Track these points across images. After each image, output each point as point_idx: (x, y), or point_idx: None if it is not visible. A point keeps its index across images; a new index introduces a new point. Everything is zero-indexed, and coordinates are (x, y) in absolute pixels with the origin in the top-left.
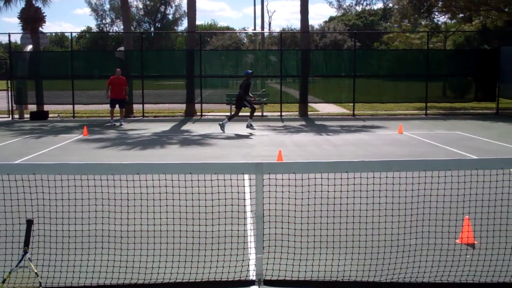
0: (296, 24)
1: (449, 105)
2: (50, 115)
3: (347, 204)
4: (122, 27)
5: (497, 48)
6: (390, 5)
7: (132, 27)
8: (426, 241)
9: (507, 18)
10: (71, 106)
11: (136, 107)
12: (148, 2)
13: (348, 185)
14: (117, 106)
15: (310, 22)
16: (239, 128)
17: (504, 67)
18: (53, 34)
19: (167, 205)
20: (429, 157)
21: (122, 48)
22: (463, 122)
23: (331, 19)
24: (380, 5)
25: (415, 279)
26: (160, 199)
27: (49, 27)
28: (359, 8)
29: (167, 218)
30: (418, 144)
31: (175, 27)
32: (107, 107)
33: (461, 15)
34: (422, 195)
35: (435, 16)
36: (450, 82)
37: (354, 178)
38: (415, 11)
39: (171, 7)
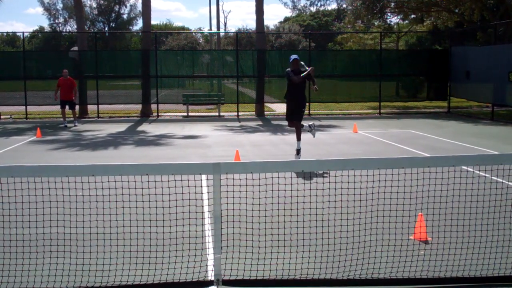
0: (251, 25)
1: (402, 104)
2: (2, 117)
3: (303, 202)
4: (75, 26)
5: (448, 48)
6: (344, 6)
7: (85, 27)
8: (381, 238)
9: (457, 19)
10: (24, 107)
11: (91, 107)
12: (102, 2)
13: (304, 183)
14: (67, 107)
15: (266, 22)
16: (196, 128)
17: (454, 67)
18: (5, 34)
19: (123, 207)
20: (383, 155)
21: (75, 48)
22: (416, 120)
23: (286, 19)
24: (334, 6)
25: (371, 276)
26: (116, 201)
27: (1, 26)
28: (313, 9)
29: (123, 220)
30: (373, 143)
31: (130, 27)
32: (60, 108)
33: (413, 16)
34: (376, 192)
35: (388, 17)
36: (403, 81)
37: (311, 176)
38: (368, 12)
39: (126, 7)
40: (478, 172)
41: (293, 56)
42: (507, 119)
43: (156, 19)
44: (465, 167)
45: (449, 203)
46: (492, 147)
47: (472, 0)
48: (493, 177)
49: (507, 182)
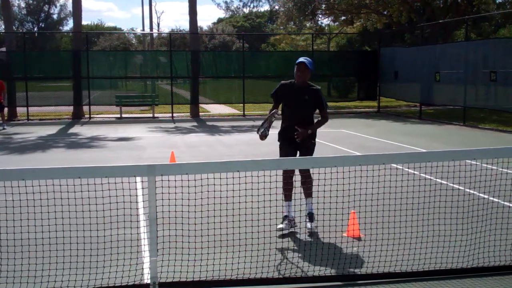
0: (185, 25)
1: (334, 104)
2: None
3: (239, 202)
4: (3, 26)
5: (377, 49)
6: (276, 7)
7: (14, 27)
8: (315, 236)
9: (386, 20)
10: None
11: (20, 110)
12: (31, 1)
13: (240, 184)
14: None
15: (199, 23)
16: (130, 130)
17: (383, 68)
18: None
19: (55, 211)
20: (316, 155)
21: (3, 49)
22: (347, 120)
23: (220, 20)
24: (266, 7)
25: (306, 273)
26: (48, 205)
27: None
28: (246, 10)
29: (56, 224)
30: None
31: (60, 27)
32: None
33: (343, 17)
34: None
35: (319, 19)
36: (334, 82)
37: (246, 177)
38: (300, 14)
39: (56, 7)
40: (407, 169)
41: (302, 59)
42: (434, 118)
43: (87, 19)
44: (395, 165)
45: (380, 200)
46: (420, 145)
47: (400, 3)
48: (421, 174)
49: (435, 179)
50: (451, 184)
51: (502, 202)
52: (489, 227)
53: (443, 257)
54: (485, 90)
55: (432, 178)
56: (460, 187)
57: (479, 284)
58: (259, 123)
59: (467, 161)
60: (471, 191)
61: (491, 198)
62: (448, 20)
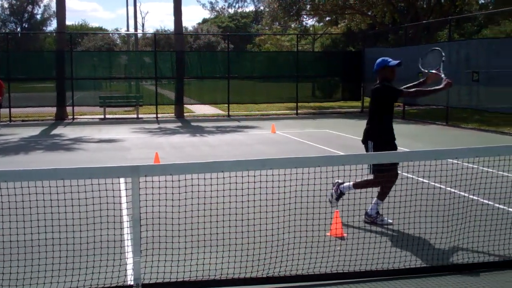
0: (169, 26)
1: (318, 105)
2: None
3: (223, 203)
4: None
5: (361, 50)
6: (261, 8)
7: None
8: (298, 235)
9: (370, 21)
10: None
11: (2, 111)
12: (14, 1)
13: (224, 184)
14: None
15: (184, 23)
16: (114, 131)
17: (367, 68)
18: None
19: (38, 213)
20: (301, 155)
21: None
22: (331, 120)
23: (205, 21)
24: (251, 7)
25: (290, 272)
26: (30, 207)
27: None
28: (231, 11)
29: (38, 226)
30: (290, 143)
31: (44, 28)
32: None
33: (327, 18)
34: (294, 191)
35: (304, 19)
36: (319, 82)
37: (230, 177)
38: (285, 14)
39: (39, 7)
40: None
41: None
42: (417, 117)
43: (71, 20)
44: None
45: (363, 199)
46: (403, 145)
47: (384, 3)
48: (403, 173)
49: (416, 178)
50: (433, 183)
51: (482, 200)
52: (468, 225)
53: (424, 254)
54: (468, 90)
55: (414, 177)
56: (442, 186)
57: (459, 281)
58: (244, 123)
59: (448, 160)
60: (452, 190)
61: (471, 196)
62: (432, 21)
